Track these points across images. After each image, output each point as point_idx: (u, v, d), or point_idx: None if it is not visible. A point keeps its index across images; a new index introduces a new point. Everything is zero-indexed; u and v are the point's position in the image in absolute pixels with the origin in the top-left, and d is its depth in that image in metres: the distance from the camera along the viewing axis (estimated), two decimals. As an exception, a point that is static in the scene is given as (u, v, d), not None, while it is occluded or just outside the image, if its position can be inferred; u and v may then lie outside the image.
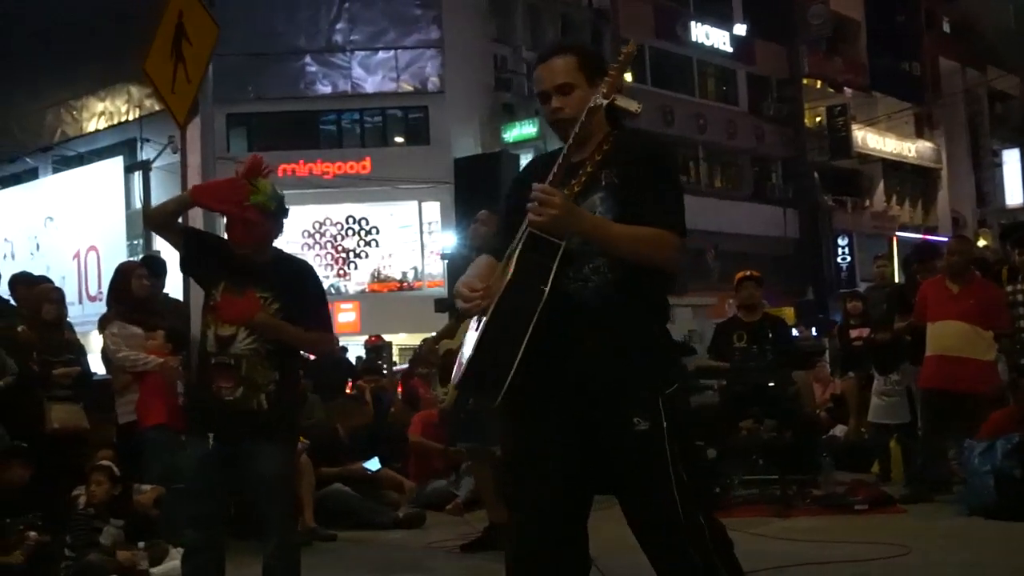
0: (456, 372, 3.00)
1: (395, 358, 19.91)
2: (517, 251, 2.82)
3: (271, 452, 4.20)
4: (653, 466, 2.92)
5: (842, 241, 33.86)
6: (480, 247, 6.53)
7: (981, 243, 35.24)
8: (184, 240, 4.31)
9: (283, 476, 4.31)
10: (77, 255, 23.71)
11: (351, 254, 26.80)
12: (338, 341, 13.23)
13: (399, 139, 27.21)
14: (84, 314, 18.71)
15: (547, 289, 2.78)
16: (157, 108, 22.68)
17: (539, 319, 2.77)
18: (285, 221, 4.34)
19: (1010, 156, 41.52)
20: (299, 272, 4.43)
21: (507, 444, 3.20)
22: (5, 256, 21.89)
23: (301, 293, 4.32)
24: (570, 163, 2.96)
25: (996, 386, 8.02)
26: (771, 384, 8.22)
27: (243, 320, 4.16)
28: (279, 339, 4.23)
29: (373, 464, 8.18)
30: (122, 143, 26.80)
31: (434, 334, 7.64)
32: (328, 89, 26.43)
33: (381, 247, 26.84)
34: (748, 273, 8.72)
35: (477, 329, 2.90)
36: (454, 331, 6.61)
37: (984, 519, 6.93)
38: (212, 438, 4.19)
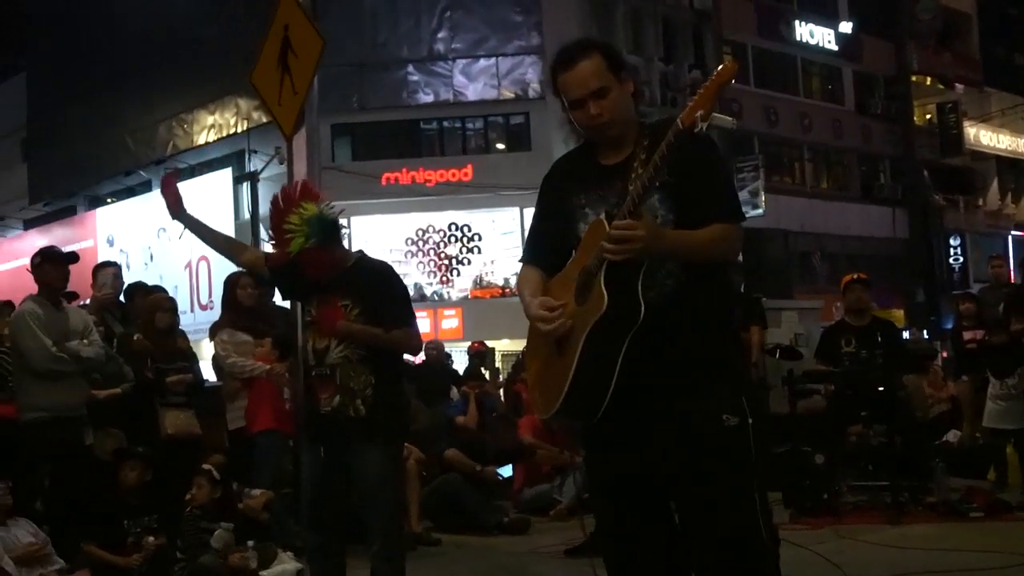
0: (546, 395, 2.98)
1: (498, 364, 20.01)
2: (602, 277, 2.78)
3: (372, 455, 4.29)
4: (741, 467, 2.91)
5: (954, 241, 33.00)
6: None
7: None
8: (271, 276, 4.57)
9: (385, 478, 4.38)
10: (189, 265, 24.41)
11: (454, 261, 26.98)
12: (443, 346, 13.37)
13: (500, 146, 27.33)
14: (196, 322, 19.27)
15: (643, 310, 2.77)
16: (264, 120, 23.18)
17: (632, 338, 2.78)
18: (339, 229, 4.37)
19: None
20: (378, 274, 4.52)
21: (593, 471, 3.19)
22: (121, 267, 22.54)
23: (381, 295, 4.40)
24: (611, 166, 2.97)
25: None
26: (880, 388, 8.06)
27: (328, 331, 4.27)
28: (365, 344, 4.30)
29: (506, 471, 8.28)
30: (231, 155, 27.43)
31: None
32: (430, 98, 26.68)
33: (483, 253, 26.97)
34: (856, 276, 8.59)
35: (558, 348, 2.90)
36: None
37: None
38: (321, 447, 4.32)
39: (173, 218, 4.56)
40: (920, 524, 7.19)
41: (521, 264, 3.25)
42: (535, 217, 3.31)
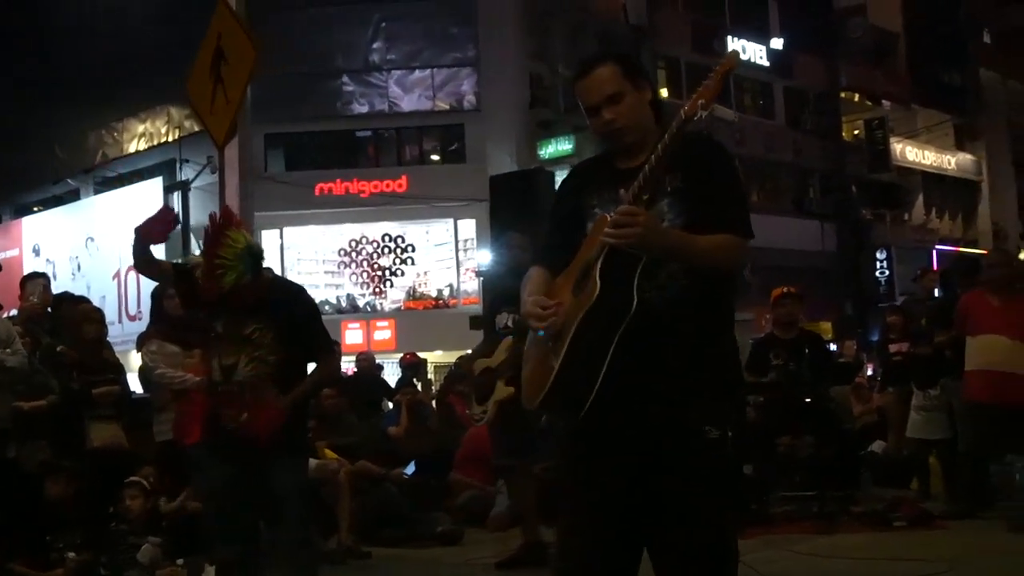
0: (534, 386, 2.96)
1: (430, 375, 19.95)
2: (598, 267, 2.79)
3: (278, 470, 4.31)
4: (717, 479, 2.93)
5: (881, 255, 33.54)
6: (515, 267, 6.61)
7: (1023, 256, 34.91)
8: (177, 290, 4.62)
9: (291, 492, 4.36)
10: (117, 275, 24.07)
11: (387, 272, 26.90)
12: (374, 358, 13.30)
13: (435, 157, 27.32)
14: (124, 333, 18.97)
15: (635, 304, 2.77)
16: (196, 129, 22.95)
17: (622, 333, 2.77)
18: (263, 259, 4.35)
19: (1054, 168, 41.00)
20: (291, 297, 4.54)
21: (565, 465, 3.16)
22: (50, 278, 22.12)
23: (296, 321, 4.41)
24: (626, 170, 2.96)
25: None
26: (808, 400, 8.18)
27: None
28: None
29: (410, 469, 8.23)
30: (162, 164, 27.08)
31: (470, 351, 7.65)
32: (365, 108, 26.60)
33: (417, 265, 26.93)
34: (786, 290, 8.65)
35: (552, 346, 2.88)
36: (490, 350, 6.64)
37: (1028, 536, 6.85)
38: (229, 462, 4.30)
39: (142, 244, 4.42)
40: (848, 533, 7.30)
41: (532, 265, 3.22)
42: (549, 219, 3.31)
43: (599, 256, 2.80)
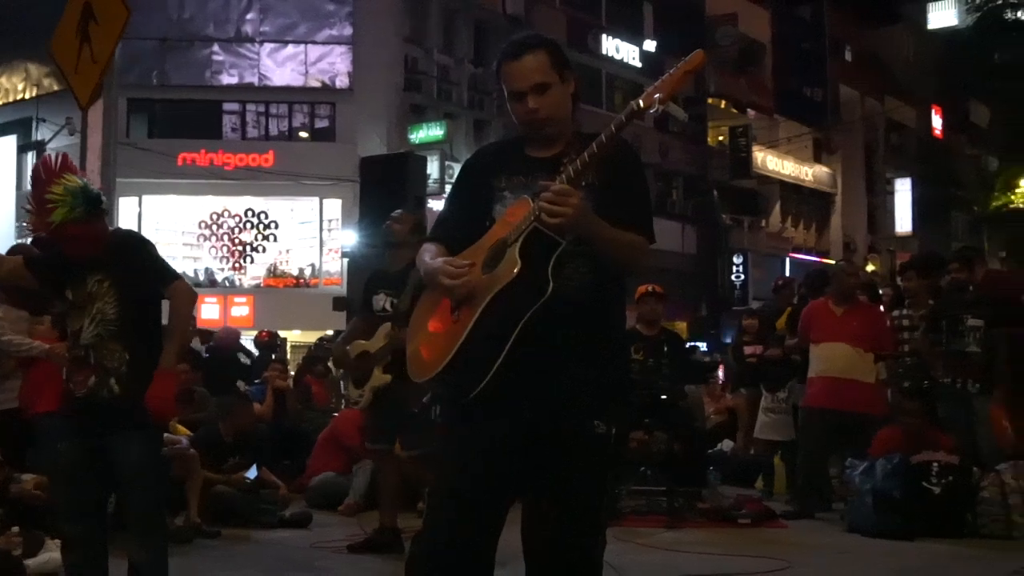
0: (429, 357, 2.93)
1: (288, 355, 19.68)
2: (518, 247, 2.78)
3: (131, 439, 4.10)
4: (597, 471, 2.96)
5: (738, 259, 34.45)
6: (396, 243, 6.56)
7: (870, 268, 36.34)
8: (34, 273, 4.32)
9: (145, 464, 4.17)
10: (-37, 233, 22.98)
11: (248, 247, 26.44)
12: (239, 335, 13.05)
13: (304, 135, 26.94)
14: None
15: (551, 288, 2.77)
16: (55, 88, 22.11)
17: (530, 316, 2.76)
18: (104, 205, 4.20)
19: (902, 185, 42.74)
20: (129, 243, 4.30)
21: (448, 433, 3.14)
22: None
23: (132, 265, 4.17)
24: (540, 159, 2.98)
25: (883, 408, 8.27)
26: (664, 397, 8.34)
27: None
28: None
29: (252, 474, 8.04)
30: (16, 122, 25.99)
31: (331, 332, 7.54)
32: (234, 80, 26.04)
33: (279, 242, 26.54)
34: (651, 288, 8.75)
35: (457, 316, 2.86)
36: (364, 331, 6.57)
37: (862, 537, 7.13)
38: (79, 434, 4.13)
39: None
40: (694, 529, 7.49)
41: (426, 240, 3.18)
42: (448, 197, 3.27)
43: (519, 236, 2.80)
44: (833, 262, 24.85)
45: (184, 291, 4.28)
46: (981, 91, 33.80)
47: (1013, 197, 34.27)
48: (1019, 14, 28.72)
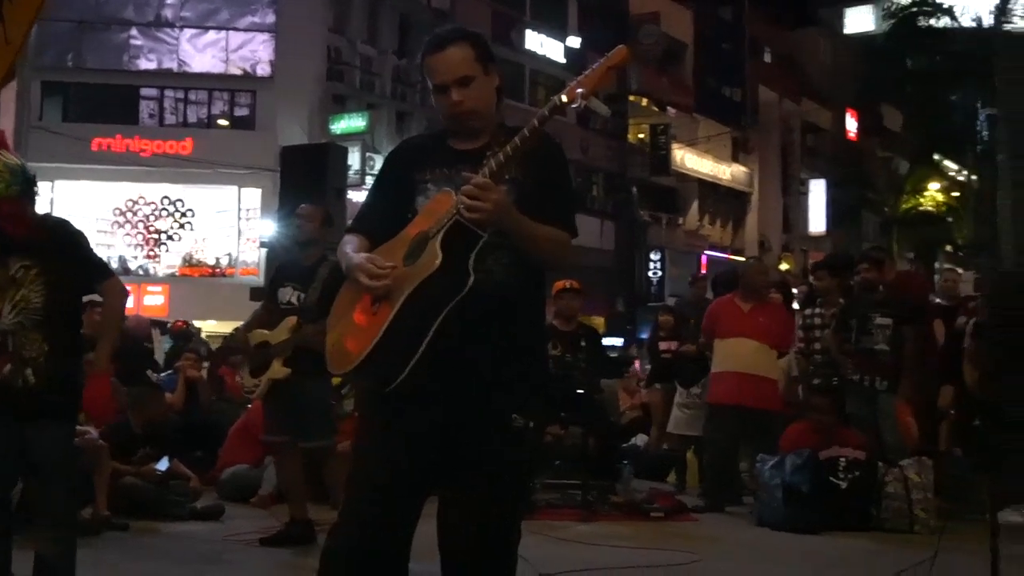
0: (349, 350, 2.90)
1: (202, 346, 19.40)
2: (439, 239, 2.78)
3: (44, 432, 4.00)
4: (515, 464, 2.99)
5: (655, 256, 34.81)
6: (307, 241, 6.52)
7: (784, 267, 36.99)
8: None
9: (59, 457, 4.07)
10: None
11: (163, 235, 26.03)
12: (147, 323, 12.82)
13: (223, 122, 26.59)
14: None
15: (471, 281, 2.77)
16: (-35, 67, 21.51)
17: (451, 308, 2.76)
18: (36, 186, 4.12)
19: (816, 186, 43.55)
20: (59, 233, 4.18)
21: (367, 424, 3.13)
22: None
23: (66, 256, 4.09)
24: (464, 151, 2.98)
25: (784, 404, 8.43)
26: (580, 391, 8.39)
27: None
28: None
29: (163, 465, 7.91)
30: (-77, 101, 25.31)
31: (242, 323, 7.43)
32: (152, 65, 25.62)
33: (196, 231, 26.18)
34: (568, 284, 8.79)
35: (376, 310, 2.84)
36: (267, 321, 6.51)
37: (772, 531, 7.26)
38: None
39: None
40: (608, 522, 7.55)
41: (346, 232, 3.15)
42: (371, 189, 3.25)
43: (441, 229, 2.80)
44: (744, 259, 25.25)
45: (118, 288, 4.23)
46: (894, 96, 34.52)
47: (922, 200, 35.11)
48: (932, 21, 29.39)
